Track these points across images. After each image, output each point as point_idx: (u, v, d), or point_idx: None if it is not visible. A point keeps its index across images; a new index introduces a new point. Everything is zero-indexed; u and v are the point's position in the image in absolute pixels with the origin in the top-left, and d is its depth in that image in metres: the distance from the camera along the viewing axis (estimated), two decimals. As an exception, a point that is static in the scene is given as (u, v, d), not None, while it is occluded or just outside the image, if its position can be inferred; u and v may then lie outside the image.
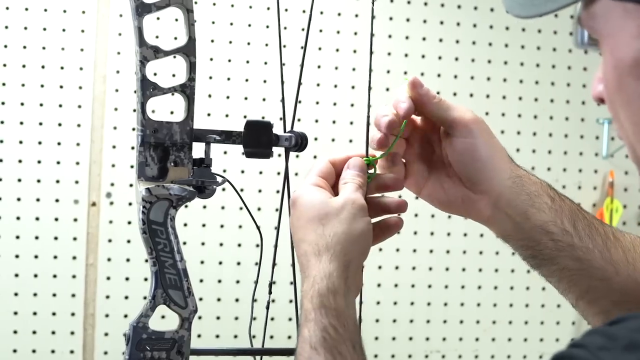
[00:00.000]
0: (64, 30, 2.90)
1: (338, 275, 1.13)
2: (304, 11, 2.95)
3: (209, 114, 2.93)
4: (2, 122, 2.87)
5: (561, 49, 3.17)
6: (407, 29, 3.09)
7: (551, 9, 0.87)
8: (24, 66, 2.88)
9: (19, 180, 2.88)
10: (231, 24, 2.98)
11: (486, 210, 1.22)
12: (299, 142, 1.39)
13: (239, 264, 2.99)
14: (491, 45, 3.14)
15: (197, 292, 1.36)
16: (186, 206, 1.39)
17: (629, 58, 0.84)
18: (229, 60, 2.98)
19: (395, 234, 1.26)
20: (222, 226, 2.98)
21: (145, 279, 2.85)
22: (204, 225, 2.97)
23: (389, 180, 1.25)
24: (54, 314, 2.90)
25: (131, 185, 2.86)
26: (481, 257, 3.11)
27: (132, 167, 2.78)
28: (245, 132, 1.37)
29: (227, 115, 2.97)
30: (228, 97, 2.98)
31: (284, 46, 1.54)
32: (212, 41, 2.96)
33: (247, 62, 2.99)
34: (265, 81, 2.99)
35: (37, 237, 2.89)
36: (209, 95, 2.95)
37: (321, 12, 3.01)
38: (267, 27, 2.98)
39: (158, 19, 2.70)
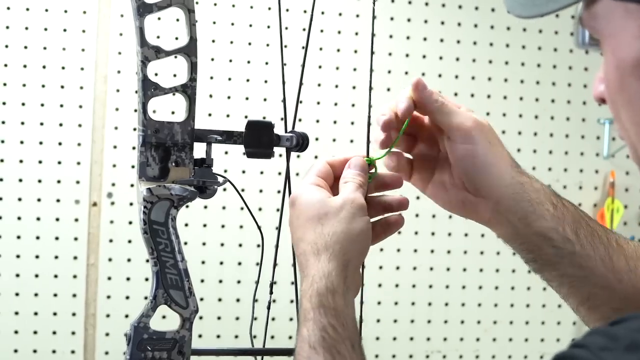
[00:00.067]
0: (65, 30, 2.90)
1: (337, 274, 1.13)
2: (305, 11, 2.95)
3: (210, 114, 2.93)
4: (4, 122, 2.87)
5: (562, 49, 3.17)
6: (408, 29, 3.09)
7: (552, 9, 0.87)
8: (25, 66, 2.88)
9: (20, 180, 2.88)
10: (232, 24, 2.98)
11: (486, 214, 1.22)
12: (300, 142, 1.40)
13: (240, 264, 2.99)
14: (492, 46, 3.14)
15: (198, 292, 1.36)
16: (187, 206, 1.39)
17: (630, 58, 0.84)
18: (230, 61, 2.98)
19: (396, 232, 1.26)
20: (223, 226, 2.98)
21: (146, 279, 2.85)
22: (205, 226, 2.97)
23: (389, 179, 1.25)
24: (55, 314, 2.90)
25: (132, 185, 2.86)
26: (482, 257, 3.11)
27: (133, 167, 2.77)
28: (246, 132, 1.37)
29: (228, 116, 2.97)
30: (229, 97, 2.98)
31: (285, 46, 1.54)
32: (213, 41, 2.96)
33: (248, 62, 2.99)
34: (266, 81, 2.99)
35: (38, 237, 2.89)
36: (210, 96, 2.95)
37: (322, 13, 3.01)
38: (268, 27, 2.98)
39: (159, 19, 2.69)
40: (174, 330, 1.34)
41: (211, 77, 2.95)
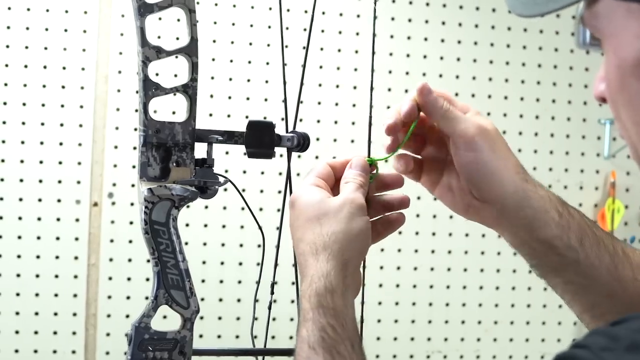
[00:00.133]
0: (66, 30, 2.90)
1: (336, 274, 1.13)
2: (305, 11, 2.95)
3: (210, 115, 2.93)
4: (4, 123, 2.87)
5: (563, 49, 3.17)
6: (409, 30, 3.09)
7: (553, 8, 0.87)
8: (25, 66, 2.88)
9: (21, 180, 2.88)
10: (233, 24, 2.98)
11: (491, 219, 1.22)
12: (301, 143, 1.40)
13: (240, 264, 2.99)
14: (493, 46, 3.14)
15: (198, 293, 1.36)
16: (188, 206, 1.39)
17: (631, 58, 0.84)
18: (231, 61, 2.98)
19: (397, 232, 1.26)
20: (224, 226, 2.98)
21: (147, 279, 2.85)
22: (205, 226, 2.97)
23: (390, 179, 1.25)
24: (55, 314, 2.90)
25: (133, 185, 2.86)
26: (483, 258, 3.11)
27: (134, 167, 2.77)
28: (247, 133, 1.37)
29: (229, 116, 2.97)
30: (230, 98, 2.98)
31: (286, 46, 1.54)
32: (214, 41, 2.96)
33: (249, 62, 2.99)
34: (267, 81, 2.99)
35: (39, 237, 2.89)
36: (211, 96, 2.95)
37: (323, 13, 3.01)
38: (269, 27, 2.98)
39: (160, 19, 2.70)
40: (175, 330, 1.34)
41: (212, 77, 2.95)
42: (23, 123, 2.88)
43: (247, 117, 2.89)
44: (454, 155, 1.21)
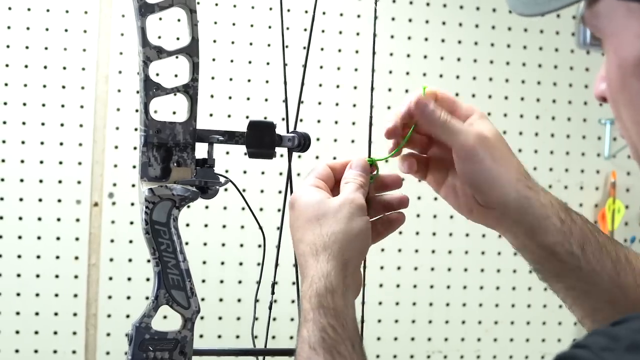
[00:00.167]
0: (66, 30, 2.90)
1: (336, 274, 1.13)
2: (306, 12, 2.95)
3: (211, 115, 2.93)
4: (5, 123, 2.87)
5: (563, 49, 3.17)
6: (410, 30, 3.09)
7: (554, 7, 0.87)
8: (26, 66, 2.88)
9: (22, 180, 2.88)
10: (233, 24, 2.98)
11: (493, 222, 1.22)
12: (302, 143, 1.40)
13: (241, 264, 2.99)
14: (493, 46, 3.14)
15: (199, 293, 1.36)
16: (188, 206, 1.39)
17: (632, 57, 0.84)
18: (232, 61, 2.98)
19: (397, 232, 1.26)
20: (224, 226, 2.98)
21: (148, 279, 2.85)
22: (206, 226, 2.97)
23: (389, 180, 1.25)
24: (56, 314, 2.90)
25: (133, 185, 2.86)
26: (483, 258, 3.11)
27: (134, 167, 2.78)
28: (248, 133, 1.37)
29: (229, 116, 2.97)
30: (230, 98, 2.98)
31: (287, 46, 1.54)
32: (215, 41, 2.96)
33: (250, 62, 2.99)
34: (267, 81, 2.99)
35: (39, 238, 2.89)
36: (211, 96, 2.95)
37: (323, 13, 3.01)
38: (270, 27, 2.98)
39: (160, 19, 2.69)
40: (175, 330, 1.34)
41: (212, 78, 2.95)
42: (23, 123, 2.88)
43: (247, 117, 2.89)
44: (455, 164, 1.21)
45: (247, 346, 1.55)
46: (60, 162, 2.90)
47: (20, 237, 2.89)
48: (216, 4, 2.97)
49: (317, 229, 1.16)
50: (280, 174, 2.94)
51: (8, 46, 2.87)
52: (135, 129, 2.77)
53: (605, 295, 1.19)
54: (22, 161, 2.88)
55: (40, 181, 2.89)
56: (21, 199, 2.88)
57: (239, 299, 2.99)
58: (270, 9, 2.98)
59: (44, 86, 2.89)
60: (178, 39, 2.58)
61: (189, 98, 1.35)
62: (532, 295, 3.12)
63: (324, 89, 3.03)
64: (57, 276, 2.90)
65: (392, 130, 1.21)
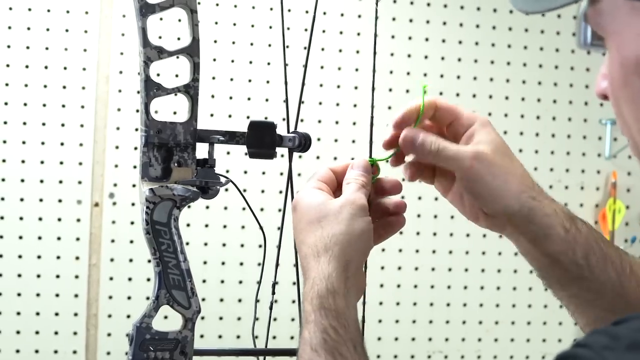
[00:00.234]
0: (67, 30, 2.90)
1: (337, 276, 1.13)
2: (307, 12, 2.95)
3: (212, 115, 2.93)
4: (5, 123, 2.88)
5: (564, 49, 3.17)
6: (410, 30, 3.09)
7: (556, 5, 0.87)
8: (27, 67, 2.88)
9: (22, 180, 2.88)
10: (234, 24, 2.98)
11: (497, 230, 1.23)
12: (303, 143, 1.40)
13: (241, 264, 2.99)
14: (494, 46, 3.14)
15: (199, 293, 1.36)
16: (189, 206, 1.39)
17: (634, 56, 0.84)
18: (232, 61, 2.98)
19: (398, 232, 1.26)
20: (225, 227, 2.98)
21: (148, 280, 2.85)
22: (206, 226, 2.97)
23: (388, 184, 1.25)
24: (56, 314, 2.90)
25: (134, 185, 2.86)
26: (484, 258, 3.11)
27: (135, 167, 2.77)
28: (249, 133, 1.37)
29: (230, 116, 2.97)
30: (231, 98, 2.98)
31: (287, 47, 1.54)
32: (215, 42, 2.96)
33: (250, 62, 2.99)
34: (268, 82, 2.99)
35: (40, 238, 2.89)
36: (212, 96, 2.95)
37: (324, 13, 3.01)
38: (270, 27, 2.98)
39: (161, 19, 2.69)
40: (176, 330, 1.34)
41: (213, 78, 2.95)
42: (24, 123, 2.88)
43: (248, 117, 2.89)
44: (457, 180, 1.22)
45: (248, 346, 1.55)
46: (61, 162, 2.90)
47: (21, 237, 2.89)
48: (217, 4, 2.97)
49: (318, 231, 1.16)
50: (281, 174, 2.94)
51: (9, 46, 2.87)
52: (136, 129, 2.77)
53: (609, 305, 1.18)
54: (23, 161, 2.88)
55: (41, 181, 2.89)
56: (22, 199, 2.88)
57: (239, 299, 2.99)
58: (271, 9, 2.98)
59: (45, 86, 2.89)
60: (179, 39, 2.58)
61: (189, 98, 1.35)
62: (533, 296, 3.12)
63: (325, 89, 3.03)
64: (57, 276, 2.90)
65: (389, 141, 1.22)
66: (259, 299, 1.49)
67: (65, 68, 2.90)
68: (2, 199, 2.88)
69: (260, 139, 1.37)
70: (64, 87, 2.90)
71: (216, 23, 2.97)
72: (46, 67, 2.89)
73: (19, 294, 2.89)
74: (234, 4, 2.98)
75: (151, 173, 1.33)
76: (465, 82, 3.11)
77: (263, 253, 1.47)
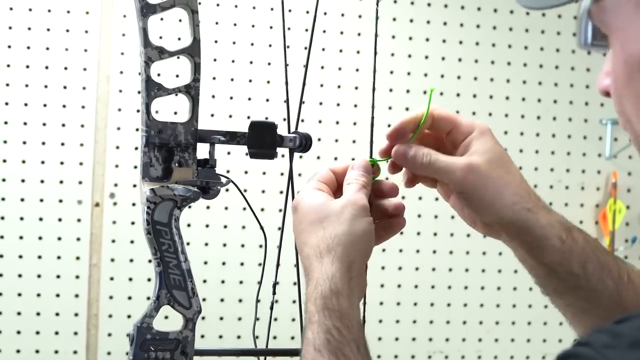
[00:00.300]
0: (67, 30, 2.90)
1: (341, 276, 1.13)
2: (307, 12, 2.95)
3: (212, 115, 2.93)
4: (6, 123, 2.88)
5: (564, 49, 3.17)
6: (411, 30, 3.09)
7: (560, 2, 0.87)
8: (27, 67, 2.88)
9: (23, 180, 2.88)
10: (235, 24, 2.98)
11: (494, 237, 1.24)
12: (303, 143, 1.40)
13: (242, 264, 2.99)
14: (494, 46, 3.14)
15: (200, 293, 1.36)
16: (190, 207, 1.39)
17: (638, 53, 0.84)
18: (233, 61, 2.98)
19: (398, 233, 1.26)
20: (225, 227, 2.98)
21: (149, 280, 2.85)
22: (207, 226, 2.97)
23: (386, 187, 1.25)
24: (57, 314, 2.91)
25: (135, 185, 2.86)
26: (484, 258, 3.11)
27: (135, 167, 2.78)
28: (249, 133, 1.37)
29: (230, 116, 2.97)
30: (232, 98, 2.98)
31: (288, 47, 1.54)
32: (216, 42, 2.96)
33: (251, 62, 2.99)
34: (268, 82, 2.99)
35: (40, 238, 2.89)
36: (213, 96, 2.95)
37: (325, 13, 3.01)
38: (271, 27, 2.99)
39: (162, 19, 2.69)
40: (177, 330, 1.34)
41: (214, 78, 2.96)
42: (25, 123, 2.88)
43: (249, 117, 2.89)
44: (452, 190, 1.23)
45: (249, 346, 1.55)
46: (62, 163, 2.90)
47: (21, 238, 2.89)
48: (217, 5, 2.97)
49: (320, 232, 1.16)
50: (282, 174, 2.94)
51: (9, 46, 2.87)
52: (137, 129, 2.77)
53: (606, 313, 1.18)
54: (24, 161, 2.88)
55: (42, 181, 2.89)
56: (22, 199, 2.88)
57: (240, 299, 2.99)
58: (272, 9, 2.98)
59: (46, 86, 2.89)
60: (179, 39, 2.59)
61: (190, 98, 1.35)
62: (534, 296, 3.10)
63: (326, 90, 3.04)
64: (58, 276, 2.90)
65: (384, 151, 1.23)
66: (259, 299, 1.49)
67: (66, 68, 2.90)
68: (3, 199, 2.88)
69: (261, 139, 1.37)
70: (65, 87, 2.90)
71: (217, 23, 2.97)
72: (47, 67, 2.89)
73: (19, 294, 2.89)
74: (234, 4, 2.98)
75: (152, 173, 1.33)
76: (466, 82, 3.11)
77: (264, 253, 1.47)
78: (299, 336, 1.46)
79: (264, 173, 2.98)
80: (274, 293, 1.50)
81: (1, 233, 2.88)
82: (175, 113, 2.32)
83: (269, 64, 2.99)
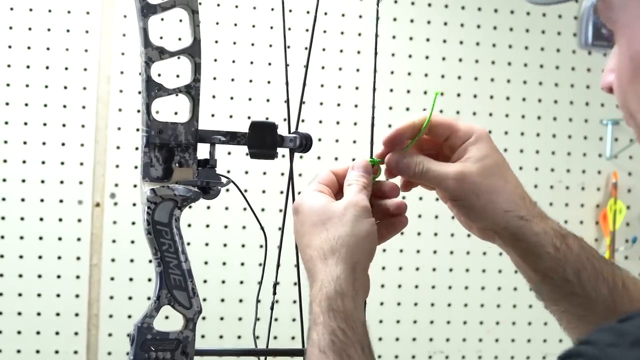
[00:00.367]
0: (68, 31, 2.90)
1: (345, 278, 1.13)
2: (308, 12, 2.95)
3: (213, 115, 2.93)
4: (7, 123, 2.88)
5: (565, 50, 3.17)
6: (411, 30, 3.09)
7: None
8: (28, 67, 2.88)
9: (23, 180, 2.88)
10: (235, 24, 2.98)
11: (489, 242, 1.26)
12: (304, 143, 1.40)
13: (242, 264, 2.99)
14: (495, 47, 3.14)
15: (201, 293, 1.36)
16: (190, 207, 1.39)
17: None
18: (233, 61, 2.98)
19: (400, 232, 1.27)
20: (226, 227, 2.98)
21: (149, 280, 2.85)
22: (207, 226, 2.97)
23: (387, 187, 1.25)
24: (57, 314, 2.91)
25: (135, 185, 2.86)
26: (485, 258, 3.11)
27: (136, 167, 2.78)
28: (250, 133, 1.37)
29: (231, 116, 2.97)
30: (232, 98, 2.98)
31: (288, 47, 1.54)
32: (216, 42, 2.96)
33: (251, 62, 2.99)
34: (269, 82, 2.99)
35: (41, 238, 2.89)
36: (213, 96, 2.95)
37: (325, 13, 3.01)
38: (271, 27, 2.99)
39: (162, 19, 2.69)
40: (177, 330, 1.34)
41: (214, 78, 2.96)
42: (25, 123, 2.88)
43: (249, 117, 2.89)
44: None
45: (249, 346, 1.55)
46: (62, 163, 2.90)
47: (22, 238, 2.89)
48: (218, 5, 2.97)
49: (323, 233, 1.16)
50: (282, 174, 2.94)
51: (10, 46, 2.87)
52: (137, 130, 2.77)
53: (600, 320, 1.18)
54: (24, 161, 2.88)
55: (42, 182, 2.89)
56: (23, 200, 2.88)
57: (240, 299, 2.99)
58: (272, 9, 2.98)
59: (46, 87, 2.89)
60: (180, 39, 2.59)
61: (190, 98, 1.35)
62: (534, 296, 3.12)
63: (326, 90, 3.04)
64: (58, 276, 2.90)
65: (380, 156, 1.24)
66: (260, 300, 1.49)
67: (66, 68, 2.90)
68: (3, 199, 2.88)
69: (262, 140, 1.37)
70: (65, 87, 2.90)
71: (217, 23, 2.97)
72: (47, 68, 2.89)
73: (20, 294, 2.89)
74: (235, 5, 2.98)
75: (152, 173, 1.33)
76: (466, 83, 3.11)
77: (264, 253, 1.47)
78: (300, 336, 1.46)
79: (264, 173, 2.98)
80: (275, 293, 1.50)
81: (2, 233, 2.88)
82: (176, 113, 2.32)
83: (270, 64, 2.99)
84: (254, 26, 2.99)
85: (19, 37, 2.87)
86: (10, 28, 2.87)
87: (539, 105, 3.16)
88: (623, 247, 3.16)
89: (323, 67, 3.03)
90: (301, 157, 2.59)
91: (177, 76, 2.14)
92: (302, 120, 1.51)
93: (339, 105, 3.04)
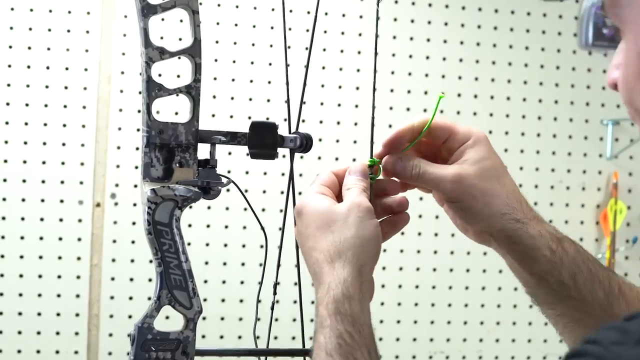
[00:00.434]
0: (68, 31, 2.90)
1: (352, 280, 1.13)
2: (308, 12, 2.95)
3: (213, 115, 2.93)
4: (7, 123, 2.88)
5: (565, 50, 3.17)
6: (412, 30, 3.09)
7: None
8: (28, 67, 2.89)
9: (24, 180, 2.89)
10: (236, 25, 2.98)
11: (485, 245, 1.25)
12: (304, 143, 1.40)
13: (243, 264, 2.99)
14: (495, 47, 3.14)
15: (201, 293, 1.36)
16: (191, 207, 1.39)
17: None
18: (234, 62, 2.98)
19: (400, 233, 1.27)
20: (226, 227, 2.98)
21: (150, 280, 2.85)
22: (208, 226, 2.97)
23: (388, 185, 1.25)
24: (58, 314, 2.91)
25: (136, 186, 2.86)
26: (485, 258, 3.11)
27: (136, 167, 2.78)
28: (250, 133, 1.37)
29: (231, 117, 2.97)
30: (233, 98, 2.98)
31: (289, 47, 1.54)
32: (217, 42, 2.96)
33: (252, 63, 2.99)
34: (269, 82, 2.99)
35: (41, 238, 2.89)
36: (214, 97, 2.96)
37: (326, 13, 3.01)
38: (272, 28, 2.99)
39: (163, 20, 2.69)
40: (177, 330, 1.34)
41: (215, 78, 2.96)
42: (26, 124, 2.89)
43: (249, 117, 2.89)
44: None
45: (249, 346, 1.55)
46: (63, 163, 2.90)
47: (22, 238, 2.89)
48: (218, 5, 2.97)
49: (329, 236, 1.16)
50: (283, 174, 2.95)
51: (10, 47, 2.87)
52: (138, 130, 2.77)
53: (596, 324, 1.18)
54: (25, 162, 2.89)
55: (43, 182, 2.89)
56: (23, 200, 2.89)
57: (241, 299, 2.99)
58: (273, 9, 2.98)
59: (47, 87, 2.89)
60: (180, 39, 2.59)
61: (191, 99, 1.35)
62: (534, 296, 3.12)
63: (326, 90, 3.04)
64: (59, 277, 2.91)
65: (380, 156, 1.24)
66: (260, 300, 1.49)
67: (67, 68, 2.90)
68: (4, 199, 2.88)
69: (262, 140, 1.37)
70: (66, 87, 2.90)
71: (218, 24, 2.97)
72: (48, 68, 2.89)
73: (20, 295, 2.89)
74: (235, 5, 2.98)
75: (153, 173, 1.33)
76: (467, 83, 3.11)
77: (264, 253, 1.47)
78: (300, 336, 1.46)
79: (264, 173, 2.98)
80: (275, 293, 1.50)
81: (2, 233, 2.89)
82: (176, 113, 2.32)
83: (270, 64, 2.99)
84: (254, 26, 2.99)
85: (20, 37, 2.87)
86: (11, 28, 2.87)
87: (539, 106, 3.16)
88: (623, 248, 3.16)
89: (324, 68, 3.03)
90: (302, 157, 2.59)
91: (178, 76, 2.14)
92: (303, 121, 1.51)
93: (339, 105, 3.05)
